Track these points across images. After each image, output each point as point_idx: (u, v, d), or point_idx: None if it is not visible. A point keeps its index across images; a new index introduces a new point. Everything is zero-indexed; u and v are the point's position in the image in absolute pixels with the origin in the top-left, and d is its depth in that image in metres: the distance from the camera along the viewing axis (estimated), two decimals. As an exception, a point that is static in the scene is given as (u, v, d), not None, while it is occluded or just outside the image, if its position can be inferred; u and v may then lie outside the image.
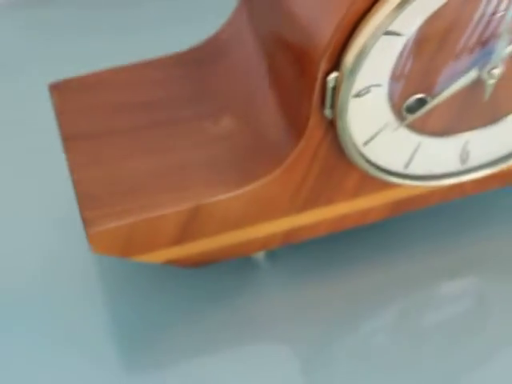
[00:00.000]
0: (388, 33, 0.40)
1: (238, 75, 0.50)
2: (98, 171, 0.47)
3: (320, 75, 0.42)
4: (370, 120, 0.45)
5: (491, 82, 0.45)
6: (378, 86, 0.43)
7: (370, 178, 0.49)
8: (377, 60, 0.42)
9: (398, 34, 0.41)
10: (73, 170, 0.47)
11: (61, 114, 0.50)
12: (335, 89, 0.42)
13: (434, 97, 0.45)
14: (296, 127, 0.45)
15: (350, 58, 0.41)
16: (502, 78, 0.46)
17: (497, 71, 0.45)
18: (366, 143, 0.46)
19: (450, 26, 0.42)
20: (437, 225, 0.55)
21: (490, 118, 0.48)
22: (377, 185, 0.49)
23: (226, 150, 0.48)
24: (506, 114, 0.49)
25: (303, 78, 0.43)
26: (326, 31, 0.41)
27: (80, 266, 0.52)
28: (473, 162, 0.50)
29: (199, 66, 0.51)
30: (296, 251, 0.54)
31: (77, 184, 0.46)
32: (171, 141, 0.48)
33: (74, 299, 0.50)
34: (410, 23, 0.41)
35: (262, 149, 0.48)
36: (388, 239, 0.54)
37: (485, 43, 0.44)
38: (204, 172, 0.47)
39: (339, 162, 0.47)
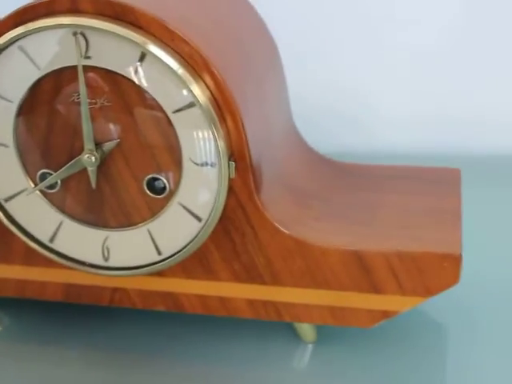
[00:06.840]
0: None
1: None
2: None
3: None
4: (9, 177, 0.54)
5: (92, 169, 0.52)
6: (6, 146, 0.53)
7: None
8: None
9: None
10: None
11: None
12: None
13: (54, 174, 0.53)
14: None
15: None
16: (124, 184, 0.52)
17: (92, 159, 0.51)
18: (7, 200, 0.55)
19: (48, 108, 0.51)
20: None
21: (124, 222, 0.54)
22: (43, 259, 0.56)
23: None
24: (137, 222, 0.53)
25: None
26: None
27: None
28: (114, 261, 0.54)
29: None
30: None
31: None
32: None
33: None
34: (11, 89, 0.51)
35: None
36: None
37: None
38: None
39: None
